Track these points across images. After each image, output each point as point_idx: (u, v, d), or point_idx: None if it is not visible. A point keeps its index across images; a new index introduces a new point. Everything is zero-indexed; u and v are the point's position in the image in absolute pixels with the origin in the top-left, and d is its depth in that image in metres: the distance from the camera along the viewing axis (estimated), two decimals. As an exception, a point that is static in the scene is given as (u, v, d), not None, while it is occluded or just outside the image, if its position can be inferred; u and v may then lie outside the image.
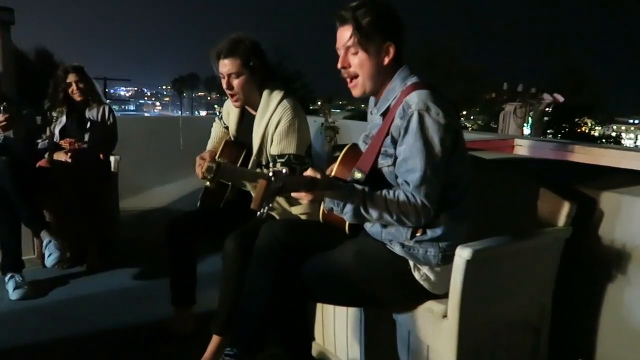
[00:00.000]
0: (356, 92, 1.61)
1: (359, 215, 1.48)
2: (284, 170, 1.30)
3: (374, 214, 1.47)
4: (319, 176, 1.45)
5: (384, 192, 1.48)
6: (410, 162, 1.45)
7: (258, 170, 2.14)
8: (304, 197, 1.46)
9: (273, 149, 2.08)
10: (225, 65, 2.07)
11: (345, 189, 1.47)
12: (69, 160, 2.98)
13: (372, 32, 1.51)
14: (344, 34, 1.55)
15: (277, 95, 2.10)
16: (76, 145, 3.07)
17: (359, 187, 1.49)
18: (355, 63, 1.55)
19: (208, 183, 1.99)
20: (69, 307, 2.61)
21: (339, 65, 1.59)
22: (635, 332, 1.72)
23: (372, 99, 1.71)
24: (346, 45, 1.55)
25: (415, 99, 1.46)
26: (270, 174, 1.28)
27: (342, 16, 1.54)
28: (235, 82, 2.09)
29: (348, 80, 1.60)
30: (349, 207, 1.47)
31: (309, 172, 1.47)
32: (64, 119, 3.16)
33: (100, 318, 2.48)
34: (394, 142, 1.50)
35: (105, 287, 2.83)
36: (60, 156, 3.00)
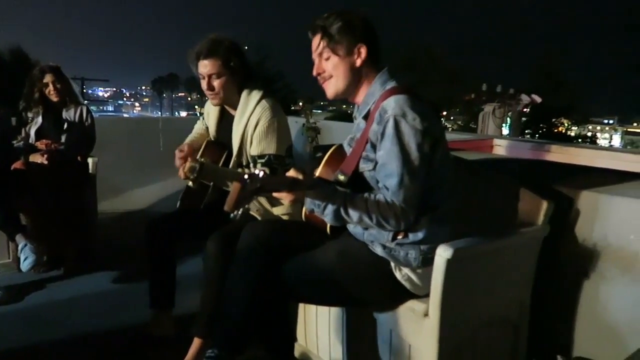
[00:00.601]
0: (329, 92, 1.63)
1: (340, 217, 1.49)
2: (260, 174, 1.28)
3: (354, 216, 1.47)
4: (301, 177, 1.45)
5: (365, 195, 1.48)
6: (388, 167, 1.45)
7: (240, 170, 2.13)
8: (285, 197, 1.46)
9: (253, 150, 2.07)
10: (206, 66, 2.05)
11: (327, 191, 1.48)
12: (46, 162, 2.91)
13: (340, 35, 1.55)
14: (315, 42, 1.60)
15: (255, 95, 2.09)
16: (53, 146, 3.01)
17: (341, 189, 1.49)
18: (329, 67, 1.59)
19: (191, 183, 1.98)
20: (45, 312, 2.56)
21: (314, 73, 1.63)
22: (610, 327, 1.76)
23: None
24: (318, 52, 1.59)
25: (392, 104, 1.47)
26: (246, 176, 1.26)
27: (312, 26, 1.60)
28: (216, 83, 2.07)
29: (322, 81, 1.63)
30: (329, 209, 1.48)
31: (291, 173, 1.48)
32: (39, 119, 3.10)
33: (78, 323, 2.44)
34: (373, 147, 1.51)
35: (83, 291, 2.78)
36: (36, 158, 2.94)
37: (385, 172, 1.46)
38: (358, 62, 1.57)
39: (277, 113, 2.07)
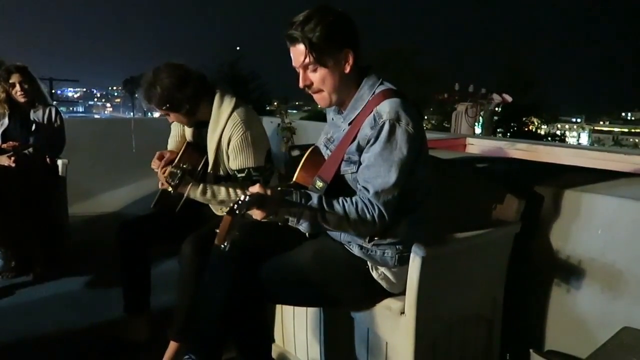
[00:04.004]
0: (323, 104, 1.58)
1: (316, 225, 1.44)
2: (247, 199, 1.27)
3: (331, 223, 1.44)
4: (269, 192, 1.38)
5: (341, 200, 1.45)
6: (373, 169, 1.44)
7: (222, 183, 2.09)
8: (257, 215, 1.39)
9: (231, 164, 2.05)
10: (157, 110, 2.07)
11: (299, 203, 1.41)
12: (13, 165, 2.84)
13: (326, 45, 1.45)
14: (298, 54, 1.48)
15: (227, 106, 2.04)
16: (20, 148, 2.93)
17: (314, 197, 1.43)
18: (317, 79, 1.51)
19: (170, 189, 1.94)
20: (14, 318, 2.48)
21: (300, 85, 1.54)
22: (581, 321, 1.81)
23: None
24: (303, 65, 1.49)
25: (386, 108, 1.45)
26: (235, 206, 1.24)
27: (291, 35, 1.47)
28: (171, 117, 2.09)
29: (310, 93, 1.55)
30: (304, 219, 1.43)
31: (256, 188, 1.39)
32: (6, 121, 3.03)
33: (48, 329, 2.38)
34: (359, 150, 1.49)
35: (53, 297, 2.71)
36: (2, 160, 2.86)
37: (370, 174, 1.44)
38: (347, 69, 1.50)
39: (249, 125, 2.02)
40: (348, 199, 1.45)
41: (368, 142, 1.47)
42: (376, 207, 1.43)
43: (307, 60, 1.47)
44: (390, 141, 1.43)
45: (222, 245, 1.27)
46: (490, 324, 1.84)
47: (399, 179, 1.44)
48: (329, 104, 1.58)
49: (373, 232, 1.50)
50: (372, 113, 1.47)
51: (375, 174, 1.44)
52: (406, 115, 1.44)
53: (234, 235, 1.27)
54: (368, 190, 1.44)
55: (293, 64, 1.52)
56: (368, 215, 1.43)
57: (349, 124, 1.56)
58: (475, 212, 1.87)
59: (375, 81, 1.54)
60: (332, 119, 1.69)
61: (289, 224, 1.46)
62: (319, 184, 1.51)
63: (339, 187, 1.52)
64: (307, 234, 1.64)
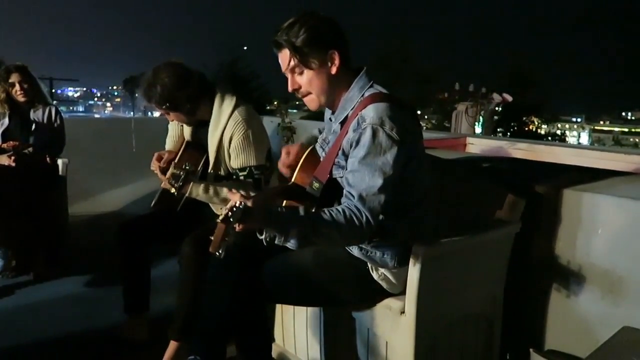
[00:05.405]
0: (313, 106, 1.59)
1: (304, 240, 1.37)
2: (241, 206, 1.26)
3: (321, 235, 1.38)
4: (249, 203, 1.30)
5: (327, 210, 1.39)
6: (358, 174, 1.42)
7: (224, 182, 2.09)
8: (237, 228, 1.30)
9: (233, 163, 2.05)
10: (156, 110, 2.07)
11: (285, 214, 1.36)
12: (13, 164, 2.84)
13: (310, 48, 1.47)
14: (284, 58, 1.52)
15: (228, 105, 2.04)
16: (20, 147, 2.93)
17: (300, 209, 1.37)
18: (304, 82, 1.52)
19: (173, 190, 1.94)
20: (15, 318, 2.49)
21: (289, 89, 1.56)
22: (581, 320, 1.81)
23: None
24: (290, 68, 1.52)
25: (371, 113, 1.44)
26: (230, 213, 1.24)
27: (276, 42, 1.51)
28: (172, 116, 2.08)
29: (300, 96, 1.57)
30: (292, 236, 1.35)
31: (237, 197, 1.32)
32: (6, 120, 3.03)
33: (49, 329, 2.38)
34: (345, 154, 1.49)
35: (53, 297, 2.71)
36: (2, 160, 2.86)
37: (355, 179, 1.42)
38: (333, 70, 1.51)
39: (250, 124, 2.03)
40: (334, 209, 1.41)
41: (351, 145, 1.46)
42: (363, 214, 1.39)
43: (292, 63, 1.50)
44: (373, 146, 1.41)
45: (217, 253, 1.26)
46: (490, 324, 1.84)
47: (384, 184, 1.40)
48: (318, 106, 1.59)
49: (362, 239, 1.48)
50: (357, 117, 1.47)
51: (359, 179, 1.42)
52: (390, 121, 1.42)
53: (229, 242, 1.26)
54: (353, 196, 1.41)
55: (282, 69, 1.55)
56: (356, 222, 1.38)
57: (340, 125, 1.57)
58: (476, 211, 1.87)
59: (365, 83, 1.54)
60: (330, 119, 1.70)
61: (276, 242, 1.36)
62: (316, 184, 1.51)
63: (335, 189, 1.51)
64: None
